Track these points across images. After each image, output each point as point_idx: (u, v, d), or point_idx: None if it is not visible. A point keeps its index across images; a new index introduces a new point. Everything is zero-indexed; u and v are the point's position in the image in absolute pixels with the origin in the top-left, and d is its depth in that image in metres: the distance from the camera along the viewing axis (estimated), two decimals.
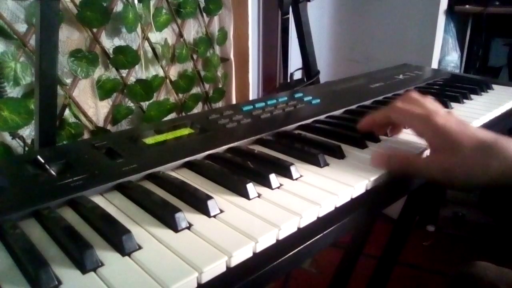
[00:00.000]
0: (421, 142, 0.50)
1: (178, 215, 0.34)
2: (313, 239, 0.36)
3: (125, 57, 1.09)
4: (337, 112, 0.66)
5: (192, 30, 1.33)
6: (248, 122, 0.59)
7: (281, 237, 0.35)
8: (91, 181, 0.41)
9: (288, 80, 1.27)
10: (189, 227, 0.35)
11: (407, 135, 0.55)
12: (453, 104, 0.69)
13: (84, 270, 0.30)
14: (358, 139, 0.52)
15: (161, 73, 1.25)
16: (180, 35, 1.28)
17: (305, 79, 1.20)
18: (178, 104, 1.34)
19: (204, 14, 1.35)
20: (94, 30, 1.03)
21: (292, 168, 0.44)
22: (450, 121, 0.45)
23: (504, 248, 1.48)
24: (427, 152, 0.50)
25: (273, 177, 0.42)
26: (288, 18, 1.23)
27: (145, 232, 0.34)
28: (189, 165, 0.47)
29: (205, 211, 0.36)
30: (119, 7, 1.07)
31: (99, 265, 0.30)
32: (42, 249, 0.31)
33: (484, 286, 0.64)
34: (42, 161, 0.43)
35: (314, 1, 1.17)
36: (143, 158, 0.46)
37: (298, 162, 0.47)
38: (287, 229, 0.35)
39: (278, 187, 0.41)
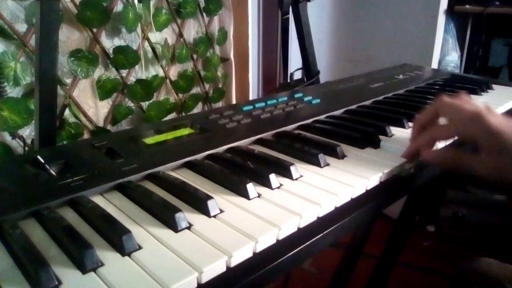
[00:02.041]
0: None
1: (178, 215, 0.34)
2: (313, 239, 0.36)
3: (125, 57, 1.09)
4: (337, 112, 0.66)
5: (192, 30, 1.33)
6: (248, 122, 0.59)
7: (281, 237, 0.35)
8: (91, 181, 0.41)
9: (288, 80, 1.27)
10: (189, 227, 0.35)
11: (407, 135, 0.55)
12: None
13: (84, 270, 0.30)
14: (358, 139, 0.52)
15: (161, 73, 1.25)
16: (180, 35, 1.28)
17: (305, 79, 1.20)
18: (178, 104, 1.34)
19: (204, 14, 1.35)
20: (94, 30, 1.03)
21: (292, 168, 0.44)
22: (503, 121, 0.43)
23: (504, 247, 1.48)
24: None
25: (273, 177, 0.42)
26: (288, 18, 1.23)
27: (145, 232, 0.34)
28: (189, 165, 0.47)
29: (205, 211, 0.36)
30: (119, 7, 1.07)
31: (99, 265, 0.30)
32: (42, 249, 0.31)
33: (487, 281, 0.64)
34: (42, 161, 0.43)
35: (314, 1, 1.17)
36: (143, 158, 0.46)
37: (298, 162, 0.47)
38: (287, 229, 0.35)
39: (278, 187, 0.41)
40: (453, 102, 0.46)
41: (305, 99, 0.70)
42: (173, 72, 1.31)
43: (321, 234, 0.36)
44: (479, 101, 0.49)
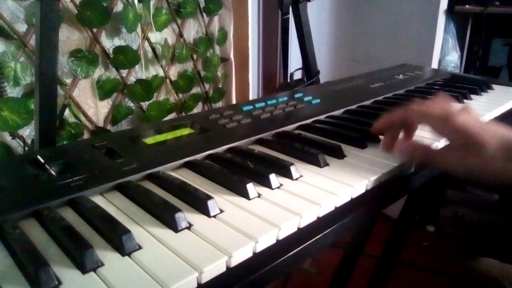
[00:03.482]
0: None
1: (178, 215, 0.34)
2: (313, 239, 0.36)
3: (125, 57, 1.09)
4: (337, 112, 0.66)
5: (192, 30, 1.33)
6: (248, 122, 0.59)
7: (281, 237, 0.35)
8: (91, 181, 0.41)
9: (288, 80, 1.27)
10: (189, 227, 0.35)
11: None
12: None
13: (84, 270, 0.30)
14: (358, 139, 0.52)
15: (161, 73, 1.25)
16: (180, 35, 1.28)
17: (305, 79, 1.20)
18: (178, 104, 1.34)
19: (204, 14, 1.35)
20: (94, 30, 1.03)
21: (292, 168, 0.44)
22: (470, 120, 0.44)
23: (504, 247, 1.48)
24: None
25: (273, 177, 0.42)
26: (288, 18, 1.23)
27: (145, 232, 0.34)
28: (189, 165, 0.47)
29: (205, 211, 0.36)
30: (119, 7, 1.07)
31: (99, 265, 0.30)
32: (42, 249, 0.31)
33: (488, 282, 0.64)
34: (42, 161, 0.43)
35: (314, 1, 1.17)
36: (143, 158, 0.46)
37: (298, 162, 0.47)
38: (287, 229, 0.35)
39: (278, 187, 0.41)
40: (421, 107, 0.47)
41: (305, 99, 0.70)
42: (173, 72, 1.31)
43: (321, 234, 0.36)
44: (454, 104, 0.49)
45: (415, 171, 0.49)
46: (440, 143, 0.53)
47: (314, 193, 0.40)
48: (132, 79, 1.16)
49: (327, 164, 0.47)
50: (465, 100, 0.73)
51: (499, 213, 1.58)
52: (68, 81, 1.01)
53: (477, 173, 0.42)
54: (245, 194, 0.39)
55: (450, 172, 0.45)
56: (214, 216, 0.36)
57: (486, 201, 1.64)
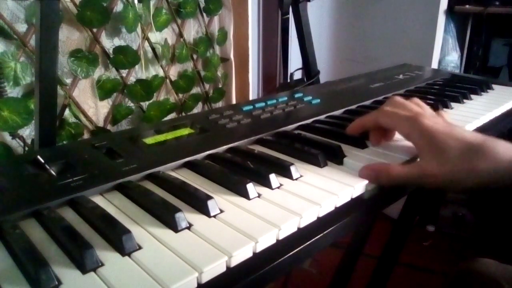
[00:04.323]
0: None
1: (178, 215, 0.34)
2: (313, 239, 0.36)
3: (125, 57, 1.09)
4: (337, 112, 0.66)
5: (192, 30, 1.33)
6: (248, 122, 0.59)
7: (281, 237, 0.35)
8: (91, 181, 0.41)
9: (288, 80, 1.27)
10: (189, 227, 0.35)
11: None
12: (453, 104, 0.69)
13: (84, 270, 0.30)
14: (358, 139, 0.52)
15: (161, 73, 1.25)
16: (180, 35, 1.28)
17: (305, 79, 1.20)
18: (178, 104, 1.34)
19: (204, 14, 1.35)
20: (94, 30, 1.03)
21: (292, 168, 0.44)
22: (437, 123, 0.44)
23: (504, 247, 1.48)
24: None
25: (273, 177, 0.42)
26: (288, 18, 1.23)
27: (145, 232, 0.34)
28: (189, 165, 0.47)
29: (205, 211, 0.36)
30: (119, 7, 1.07)
31: (99, 265, 0.30)
32: (42, 249, 0.31)
33: (486, 282, 0.64)
34: (42, 161, 0.43)
35: (314, 1, 1.17)
36: (143, 158, 0.46)
37: (298, 162, 0.47)
38: (287, 229, 0.35)
39: (278, 187, 0.41)
40: (391, 110, 0.48)
41: (305, 99, 0.70)
42: (173, 72, 1.31)
43: (321, 234, 0.36)
44: (427, 108, 0.50)
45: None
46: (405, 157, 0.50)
47: (314, 193, 0.40)
48: (132, 79, 1.16)
49: (327, 164, 0.47)
50: (465, 100, 0.73)
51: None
52: (68, 81, 1.02)
53: (446, 177, 0.42)
54: (245, 194, 0.39)
55: (424, 186, 0.45)
56: (214, 216, 0.36)
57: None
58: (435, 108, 0.64)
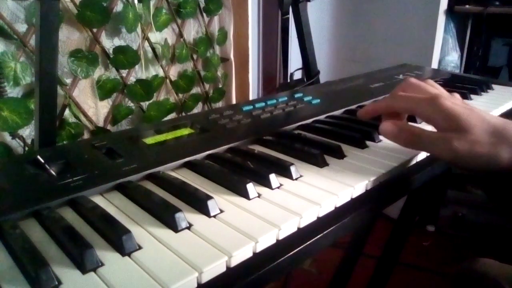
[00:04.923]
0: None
1: (178, 215, 0.34)
2: (313, 239, 0.36)
3: (125, 57, 1.09)
4: (337, 112, 0.66)
5: (192, 30, 1.33)
6: (248, 122, 0.59)
7: (281, 237, 0.35)
8: (91, 181, 0.41)
9: (288, 80, 1.27)
10: (189, 227, 0.35)
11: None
12: None
13: (84, 270, 0.30)
14: (358, 139, 0.52)
15: (161, 73, 1.25)
16: (180, 35, 1.28)
17: (305, 79, 1.20)
18: (178, 104, 1.35)
19: (204, 14, 1.35)
20: (94, 30, 1.03)
21: (292, 168, 0.44)
22: (456, 104, 0.43)
23: (504, 248, 1.48)
24: None
25: (273, 177, 0.42)
26: (288, 18, 1.24)
27: (145, 232, 0.34)
28: (189, 165, 0.47)
29: (205, 211, 0.36)
30: (119, 7, 1.07)
31: (99, 265, 0.30)
32: (42, 249, 0.31)
33: (487, 282, 0.64)
34: (42, 161, 0.43)
35: (314, 1, 1.17)
36: (143, 158, 0.46)
37: (298, 162, 0.47)
38: (287, 229, 0.35)
39: (278, 187, 0.41)
40: (406, 94, 0.47)
41: (305, 99, 0.70)
42: (173, 72, 1.31)
43: (321, 234, 0.36)
44: (441, 89, 0.49)
45: (416, 170, 0.49)
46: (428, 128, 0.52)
47: (314, 193, 0.40)
48: (132, 79, 1.17)
49: (327, 164, 0.47)
50: (465, 100, 0.73)
51: (492, 212, 1.58)
52: (68, 81, 1.02)
53: (464, 157, 0.41)
54: (245, 194, 0.39)
55: (437, 156, 0.44)
56: (214, 216, 0.36)
57: (486, 201, 1.64)
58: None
